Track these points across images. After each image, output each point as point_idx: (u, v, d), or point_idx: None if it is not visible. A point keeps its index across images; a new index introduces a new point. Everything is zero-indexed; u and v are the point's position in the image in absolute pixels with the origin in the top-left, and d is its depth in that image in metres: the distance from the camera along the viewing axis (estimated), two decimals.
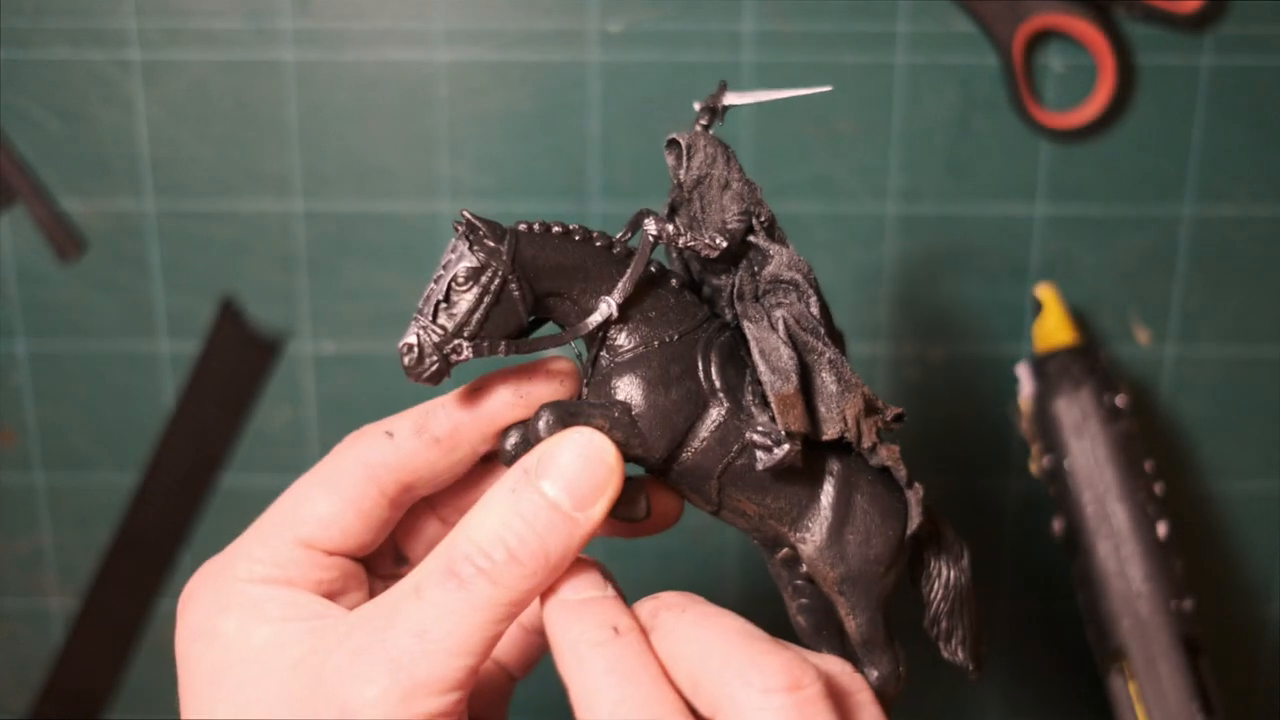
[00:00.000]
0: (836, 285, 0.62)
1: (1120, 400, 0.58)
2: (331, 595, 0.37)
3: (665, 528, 0.41)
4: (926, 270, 0.62)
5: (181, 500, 0.65)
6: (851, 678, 0.36)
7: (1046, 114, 0.60)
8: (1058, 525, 0.59)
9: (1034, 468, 0.60)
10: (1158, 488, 0.57)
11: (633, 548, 0.65)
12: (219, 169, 0.60)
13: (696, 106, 0.39)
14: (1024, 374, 0.60)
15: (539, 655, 0.43)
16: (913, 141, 0.61)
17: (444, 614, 0.33)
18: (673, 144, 0.38)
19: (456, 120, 0.60)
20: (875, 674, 0.42)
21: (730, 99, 0.39)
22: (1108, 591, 0.56)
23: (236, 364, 0.63)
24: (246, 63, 0.59)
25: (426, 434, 0.37)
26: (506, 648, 0.43)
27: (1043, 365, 0.59)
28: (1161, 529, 0.56)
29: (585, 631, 0.34)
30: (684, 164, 0.38)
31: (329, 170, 0.61)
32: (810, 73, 0.59)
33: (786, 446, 0.36)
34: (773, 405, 0.36)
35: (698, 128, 0.39)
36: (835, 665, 0.36)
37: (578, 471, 0.34)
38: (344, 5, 0.59)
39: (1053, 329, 0.60)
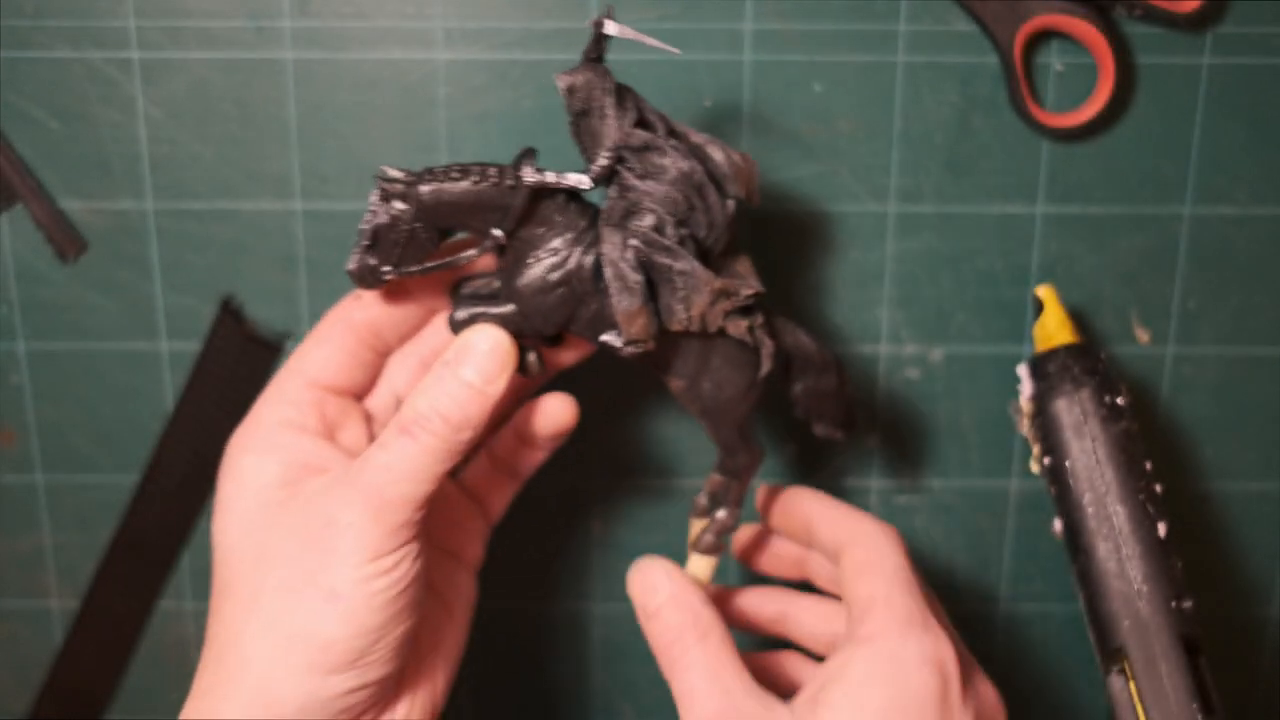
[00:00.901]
0: (837, 285, 0.62)
1: (1120, 400, 0.58)
2: (335, 427, 0.49)
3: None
4: (926, 270, 0.62)
5: (181, 500, 0.65)
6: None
7: (1046, 114, 0.60)
8: (1058, 525, 0.59)
9: (1034, 468, 0.60)
10: (1158, 488, 0.57)
11: (634, 549, 0.65)
12: (219, 169, 0.60)
13: (588, 24, 0.45)
14: (1024, 374, 0.60)
15: (510, 494, 0.56)
16: (913, 141, 0.61)
17: (402, 455, 0.45)
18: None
19: (456, 120, 0.60)
20: (731, 464, 0.52)
21: (609, 28, 0.45)
22: (1108, 591, 0.56)
23: (236, 364, 0.63)
24: (246, 63, 0.59)
25: (383, 291, 0.49)
26: (482, 483, 0.55)
27: (1043, 365, 0.59)
28: (1162, 529, 0.56)
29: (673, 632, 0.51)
30: (567, 101, 0.45)
31: (329, 170, 0.61)
32: (810, 72, 0.59)
33: (633, 349, 0.46)
34: (619, 320, 0.46)
35: (585, 59, 0.45)
36: None
37: (485, 359, 0.46)
38: (344, 5, 0.59)
39: (1053, 329, 0.60)
